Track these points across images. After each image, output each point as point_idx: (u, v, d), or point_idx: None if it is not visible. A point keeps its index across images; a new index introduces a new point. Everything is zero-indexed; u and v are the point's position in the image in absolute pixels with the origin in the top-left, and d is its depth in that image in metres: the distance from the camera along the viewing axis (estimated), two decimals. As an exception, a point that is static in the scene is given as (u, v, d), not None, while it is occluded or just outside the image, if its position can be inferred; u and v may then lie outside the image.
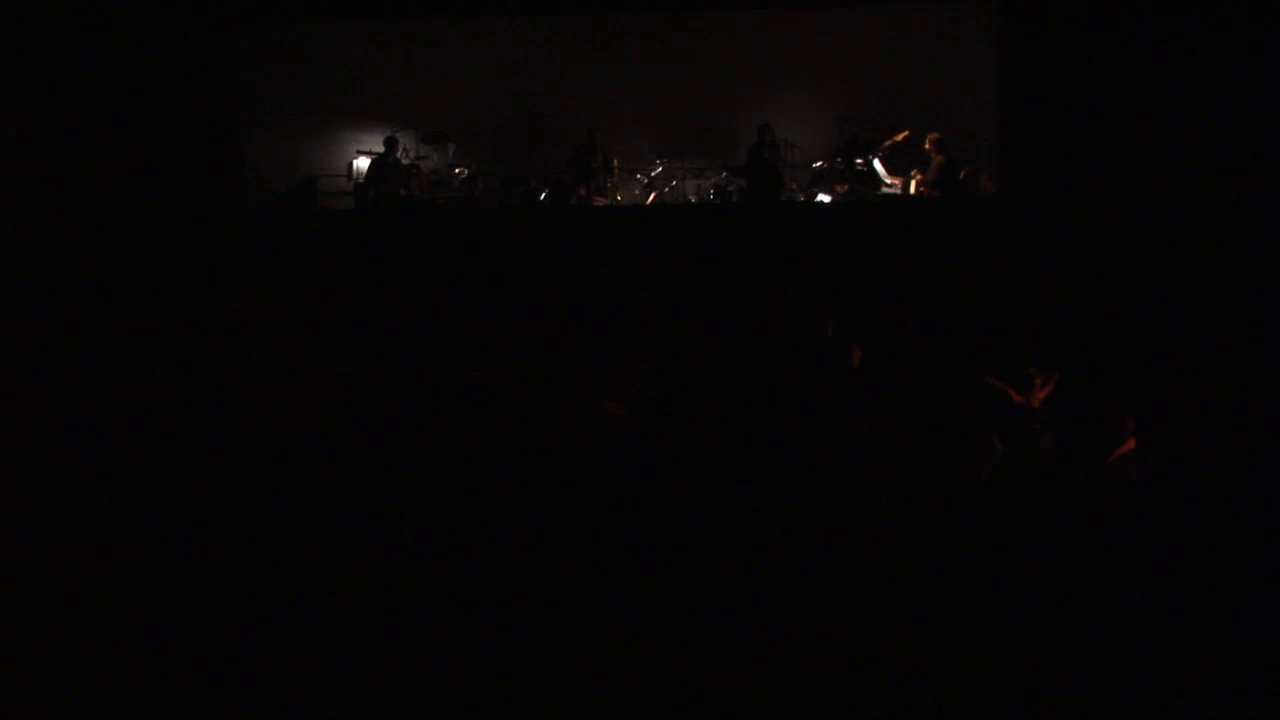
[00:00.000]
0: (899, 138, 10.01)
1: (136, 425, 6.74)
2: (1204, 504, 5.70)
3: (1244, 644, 4.56)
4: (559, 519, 6.15)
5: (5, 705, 4.64)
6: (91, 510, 6.35)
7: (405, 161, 10.87)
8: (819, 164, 10.45)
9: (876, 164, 10.06)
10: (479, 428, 6.90)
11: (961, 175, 9.47)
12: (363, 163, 10.70)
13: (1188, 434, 6.20)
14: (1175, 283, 6.43)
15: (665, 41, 11.06)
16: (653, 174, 10.79)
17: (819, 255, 8.23)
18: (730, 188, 10.48)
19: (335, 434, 6.93)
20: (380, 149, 10.63)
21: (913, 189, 9.87)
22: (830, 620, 5.06)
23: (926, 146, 9.58)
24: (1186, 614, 4.82)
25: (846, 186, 10.16)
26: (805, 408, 6.84)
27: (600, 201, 10.28)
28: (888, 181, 10.00)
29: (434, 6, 10.00)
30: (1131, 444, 6.10)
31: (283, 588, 5.55)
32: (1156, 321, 6.41)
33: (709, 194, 10.57)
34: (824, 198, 10.22)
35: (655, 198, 10.58)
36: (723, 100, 11.19)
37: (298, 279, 7.78)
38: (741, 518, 6.19)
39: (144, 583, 5.67)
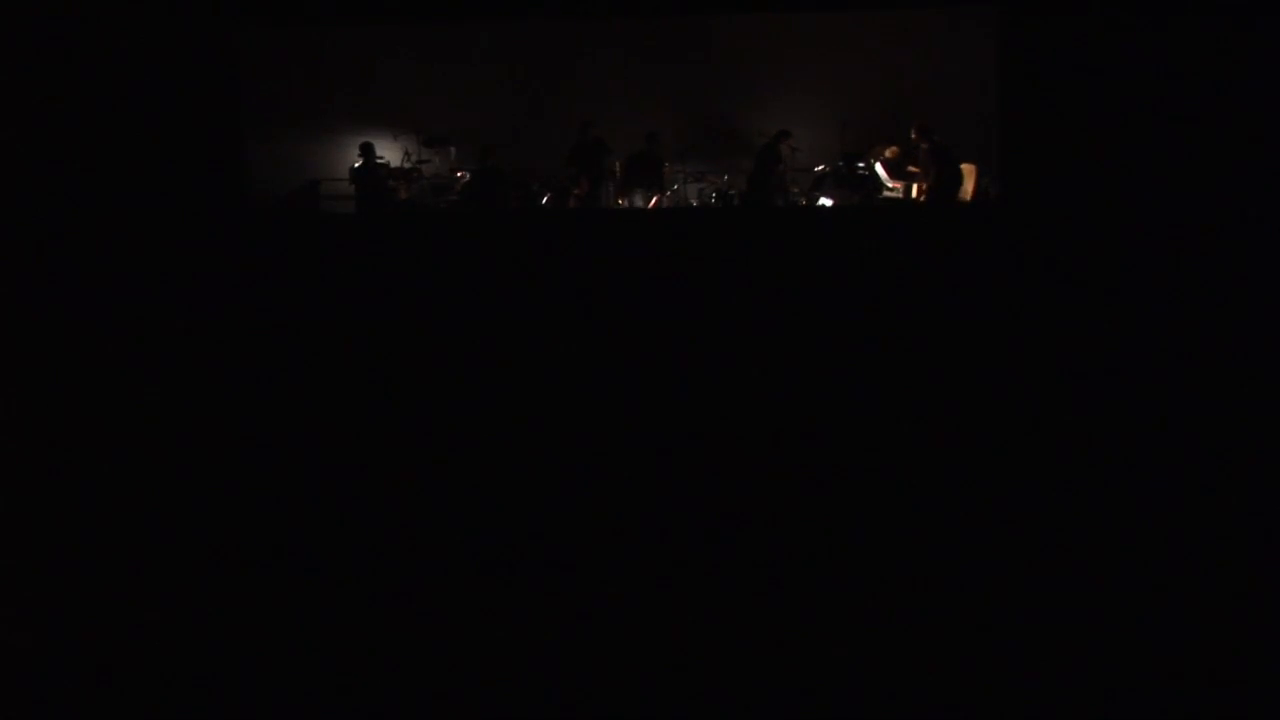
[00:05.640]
0: (889, 154, 10.04)
1: (135, 425, 6.74)
2: (1203, 504, 5.70)
3: (1243, 644, 4.54)
4: (557, 519, 6.15)
5: (5, 704, 4.63)
6: (91, 510, 6.35)
7: (407, 165, 10.92)
8: (821, 168, 10.48)
9: (878, 168, 10.08)
10: (480, 429, 6.90)
11: (972, 184, 9.48)
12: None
13: (1188, 434, 6.19)
14: (1176, 283, 6.42)
15: (668, 46, 11.10)
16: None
17: (820, 259, 8.21)
18: (732, 191, 10.50)
19: (335, 434, 6.92)
20: (380, 155, 10.69)
21: (914, 193, 9.88)
22: (829, 618, 5.05)
23: (913, 136, 9.59)
24: (1184, 613, 4.80)
25: (848, 190, 10.19)
26: (805, 409, 6.84)
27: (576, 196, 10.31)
28: (889, 185, 10.02)
29: (437, 10, 10.02)
30: None
31: (282, 587, 5.55)
32: (1158, 322, 6.41)
33: (711, 197, 10.59)
34: (826, 201, 10.24)
35: (657, 201, 10.60)
36: (725, 104, 11.22)
37: (298, 281, 7.77)
38: (741, 518, 6.18)
39: (143, 583, 5.67)
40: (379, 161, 10.62)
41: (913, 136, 9.60)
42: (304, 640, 5.03)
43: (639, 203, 10.42)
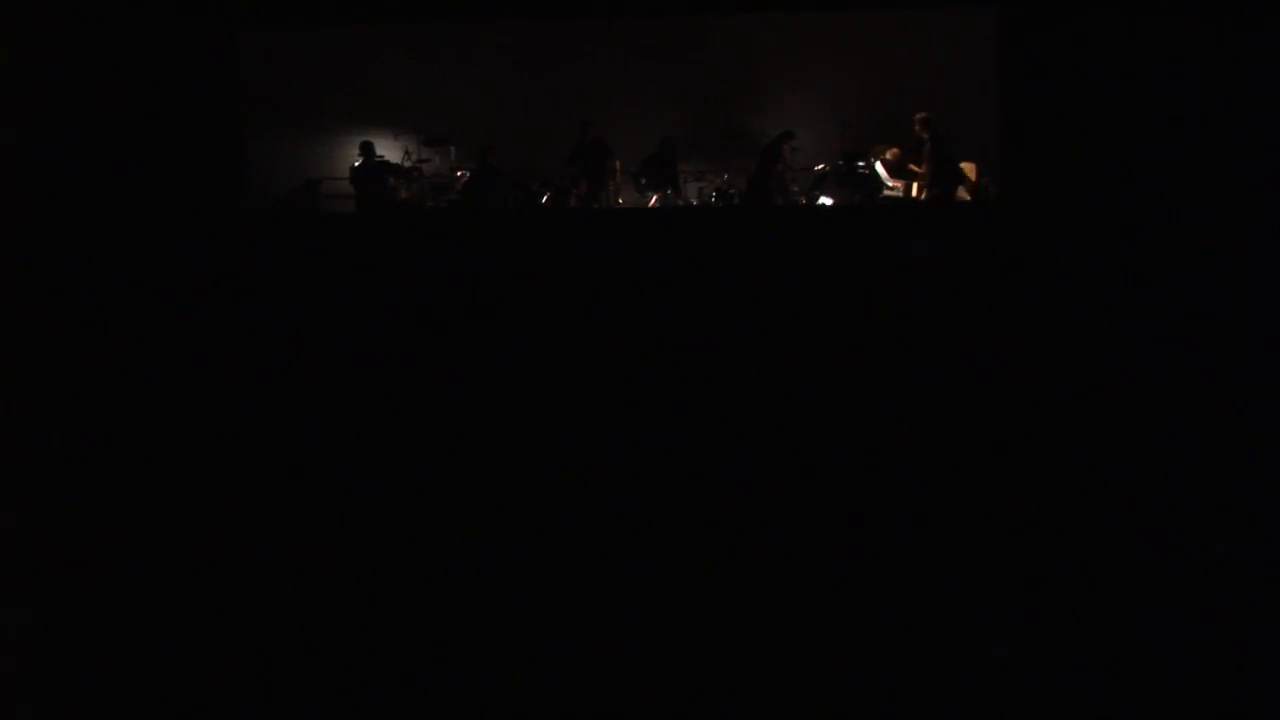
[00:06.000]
0: (889, 155, 10.05)
1: (135, 425, 6.74)
2: (1204, 504, 5.69)
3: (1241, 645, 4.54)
4: (557, 519, 6.15)
5: (6, 705, 4.63)
6: (90, 510, 6.35)
7: (407, 165, 10.93)
8: (821, 167, 10.48)
9: (878, 167, 10.09)
10: (478, 428, 6.90)
11: (974, 179, 9.47)
12: (364, 166, 10.75)
13: (1189, 434, 6.19)
14: (1176, 283, 6.43)
15: (668, 45, 11.10)
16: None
17: (820, 258, 8.22)
18: (732, 190, 10.51)
19: (335, 434, 6.92)
20: (380, 154, 10.70)
21: (914, 192, 9.89)
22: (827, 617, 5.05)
23: (916, 129, 9.58)
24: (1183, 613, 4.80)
25: (848, 190, 10.20)
26: (804, 408, 6.84)
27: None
28: (889, 185, 10.02)
29: (437, 9, 10.03)
30: None
31: (281, 587, 5.55)
32: (1158, 321, 6.41)
33: (711, 197, 10.60)
34: (826, 201, 10.25)
35: (657, 200, 10.61)
36: (725, 103, 11.22)
37: (298, 281, 7.78)
38: (741, 517, 6.17)
39: (143, 583, 5.67)
40: (379, 160, 10.64)
41: (916, 128, 9.57)
42: (303, 640, 5.03)
43: (651, 203, 10.46)
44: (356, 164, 10.57)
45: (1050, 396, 6.63)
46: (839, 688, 4.46)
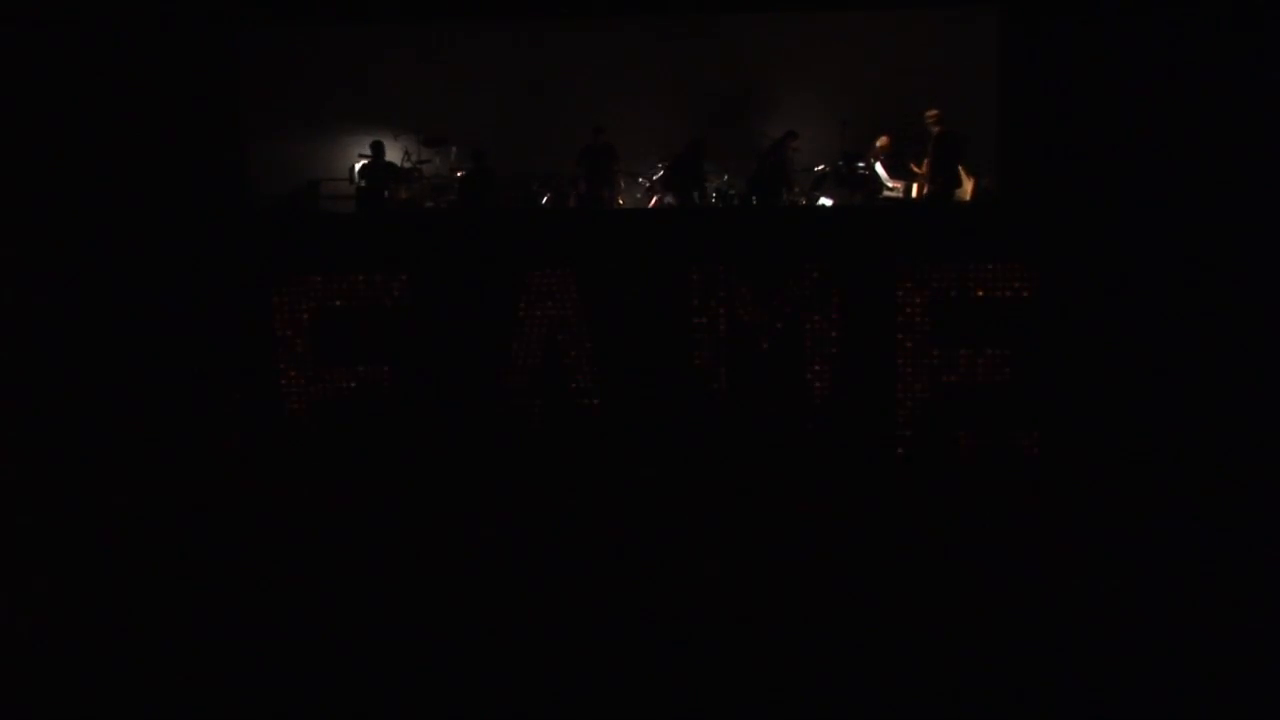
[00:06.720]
0: (880, 144, 10.04)
1: (136, 425, 6.75)
2: (1201, 502, 5.71)
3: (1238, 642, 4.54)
4: (555, 517, 6.16)
5: (6, 705, 4.63)
6: (91, 509, 6.36)
7: (407, 165, 10.94)
8: (821, 167, 10.48)
9: (878, 167, 10.09)
10: (479, 428, 6.92)
11: (972, 184, 9.45)
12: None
13: (1189, 432, 6.20)
14: (1176, 283, 6.43)
15: (668, 45, 11.10)
16: (655, 177, 10.81)
17: (820, 258, 8.20)
18: (732, 191, 10.51)
19: (334, 433, 6.94)
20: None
21: (914, 192, 9.89)
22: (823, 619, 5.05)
23: (927, 123, 9.55)
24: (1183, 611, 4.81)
25: (848, 190, 10.20)
26: (804, 408, 6.86)
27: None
28: (889, 185, 10.02)
29: (437, 10, 10.02)
30: None
31: (282, 587, 5.55)
32: (1158, 321, 6.41)
33: (711, 197, 10.60)
34: (826, 201, 10.25)
35: (657, 201, 10.61)
36: (724, 103, 11.23)
37: (298, 280, 7.77)
38: (738, 516, 6.19)
39: (144, 582, 5.67)
40: (384, 162, 10.65)
41: (927, 123, 9.54)
42: (303, 639, 5.04)
43: (651, 204, 10.46)
44: (364, 162, 10.56)
45: (1049, 395, 6.63)
46: (838, 688, 4.47)
